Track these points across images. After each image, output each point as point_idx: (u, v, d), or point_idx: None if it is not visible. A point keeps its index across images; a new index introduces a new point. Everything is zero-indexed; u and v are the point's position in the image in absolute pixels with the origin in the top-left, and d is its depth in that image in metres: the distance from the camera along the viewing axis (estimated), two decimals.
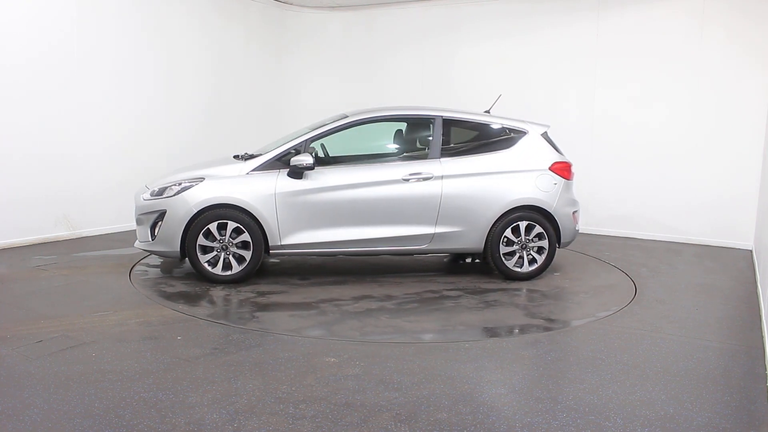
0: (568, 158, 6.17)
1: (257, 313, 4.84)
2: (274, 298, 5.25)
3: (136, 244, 5.81)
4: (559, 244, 6.04)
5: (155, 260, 6.40)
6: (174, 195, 5.51)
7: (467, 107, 6.62)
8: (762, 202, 6.79)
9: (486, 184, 5.83)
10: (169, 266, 6.22)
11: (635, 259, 7.13)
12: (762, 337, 4.47)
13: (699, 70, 7.96)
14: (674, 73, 8.10)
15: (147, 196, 5.66)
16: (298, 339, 4.20)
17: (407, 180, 5.71)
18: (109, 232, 7.68)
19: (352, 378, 3.54)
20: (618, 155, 8.53)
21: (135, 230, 5.83)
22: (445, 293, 5.53)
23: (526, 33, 8.98)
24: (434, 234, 5.77)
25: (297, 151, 5.65)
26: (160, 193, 5.59)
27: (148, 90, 8.12)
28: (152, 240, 5.57)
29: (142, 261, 6.34)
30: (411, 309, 5.04)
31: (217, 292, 5.37)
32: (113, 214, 7.72)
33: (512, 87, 8.46)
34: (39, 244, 6.91)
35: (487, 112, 6.45)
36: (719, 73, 7.86)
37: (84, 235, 7.42)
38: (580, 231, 6.43)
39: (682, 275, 6.47)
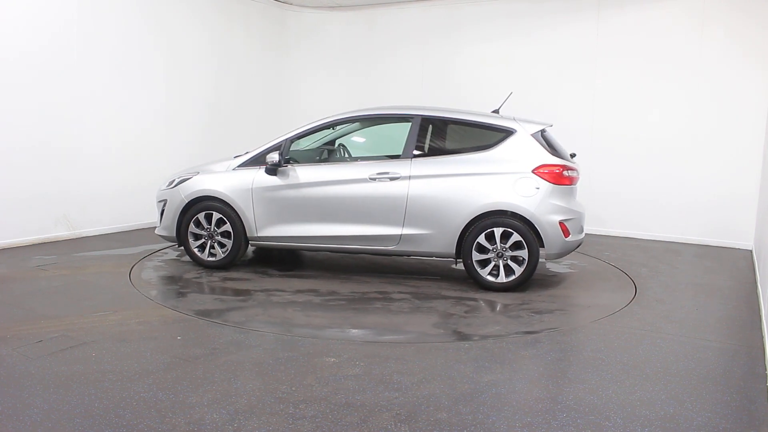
0: (566, 161, 5.63)
1: (190, 294, 5.23)
2: (229, 284, 5.60)
3: (156, 229, 6.41)
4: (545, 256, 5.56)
5: (159, 256, 6.44)
6: (173, 186, 6.14)
7: (469, 107, 6.59)
8: (762, 202, 6.78)
9: (456, 187, 5.50)
10: (182, 253, 6.51)
11: (635, 259, 7.13)
12: (762, 337, 4.47)
13: (699, 70, 7.96)
14: (674, 73, 8.10)
15: (163, 186, 6.30)
16: (299, 339, 4.20)
17: (373, 179, 5.66)
18: (109, 232, 7.67)
19: (352, 378, 3.54)
20: (618, 155, 8.53)
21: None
22: (393, 296, 5.33)
23: (526, 33, 8.98)
24: (401, 235, 5.62)
25: (278, 149, 5.90)
26: (170, 184, 6.22)
27: (149, 90, 8.11)
28: (160, 225, 6.24)
29: (143, 260, 6.36)
30: (331, 306, 5.04)
31: (190, 275, 5.86)
32: (113, 214, 7.72)
33: (513, 86, 8.42)
34: (39, 244, 6.90)
35: (496, 111, 6.20)
36: (719, 73, 7.86)
37: (84, 235, 7.41)
38: (580, 240, 5.73)
39: (682, 275, 6.47)
